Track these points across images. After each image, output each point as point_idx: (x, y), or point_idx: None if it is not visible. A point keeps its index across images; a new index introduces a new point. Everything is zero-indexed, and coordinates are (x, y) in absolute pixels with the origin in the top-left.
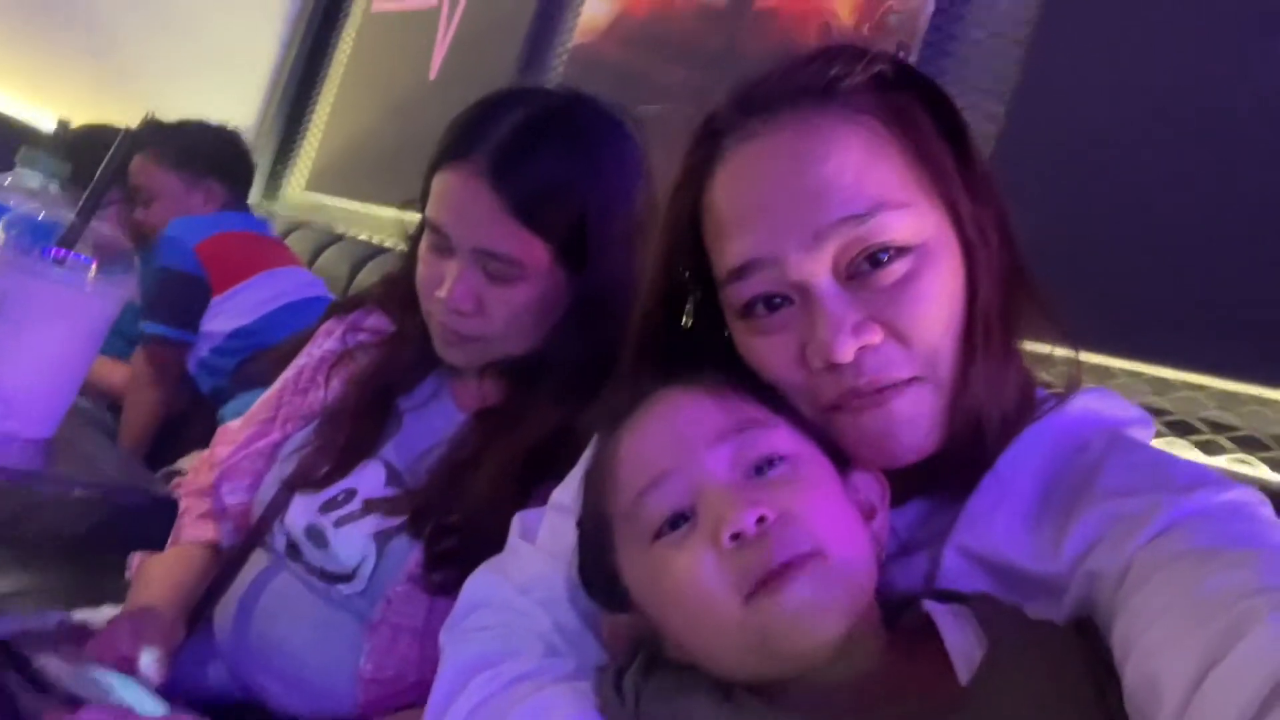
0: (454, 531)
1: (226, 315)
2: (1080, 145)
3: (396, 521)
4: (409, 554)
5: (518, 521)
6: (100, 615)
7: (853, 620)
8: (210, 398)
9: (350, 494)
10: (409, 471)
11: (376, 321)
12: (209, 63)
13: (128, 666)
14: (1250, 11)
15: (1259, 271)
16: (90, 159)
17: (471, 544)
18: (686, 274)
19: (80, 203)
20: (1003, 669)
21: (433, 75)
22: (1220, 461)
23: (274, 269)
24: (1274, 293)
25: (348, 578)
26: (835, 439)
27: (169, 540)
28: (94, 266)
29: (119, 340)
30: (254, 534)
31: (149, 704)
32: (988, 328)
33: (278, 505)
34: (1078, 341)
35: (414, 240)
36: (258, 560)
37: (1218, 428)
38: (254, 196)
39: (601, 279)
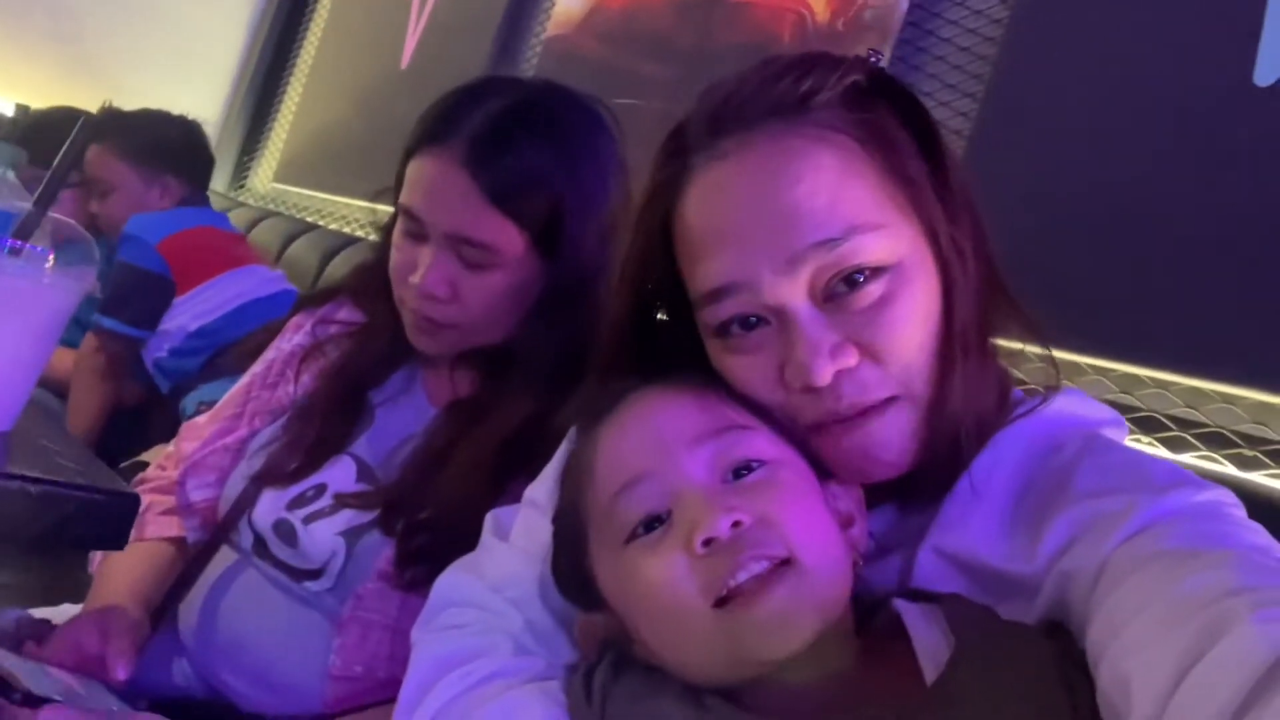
0: (426, 529)
1: (189, 315)
2: (1052, 142)
3: (367, 518)
4: (380, 551)
5: (491, 519)
6: (60, 613)
7: (824, 627)
8: (170, 397)
9: (320, 489)
10: (380, 466)
11: (348, 315)
12: (175, 49)
13: (93, 665)
14: (1223, 10)
15: (1227, 269)
16: (47, 143)
17: (443, 540)
18: (656, 289)
19: (38, 193)
20: (969, 669)
21: (404, 64)
22: (1187, 458)
23: (235, 269)
24: (1241, 290)
25: (316, 574)
26: (815, 453)
27: (131, 537)
28: (51, 258)
29: (73, 326)
30: (220, 530)
31: (111, 703)
32: (965, 342)
33: (245, 501)
34: (1047, 339)
35: (387, 230)
36: (224, 557)
37: (1185, 424)
38: (221, 186)
39: (575, 268)
